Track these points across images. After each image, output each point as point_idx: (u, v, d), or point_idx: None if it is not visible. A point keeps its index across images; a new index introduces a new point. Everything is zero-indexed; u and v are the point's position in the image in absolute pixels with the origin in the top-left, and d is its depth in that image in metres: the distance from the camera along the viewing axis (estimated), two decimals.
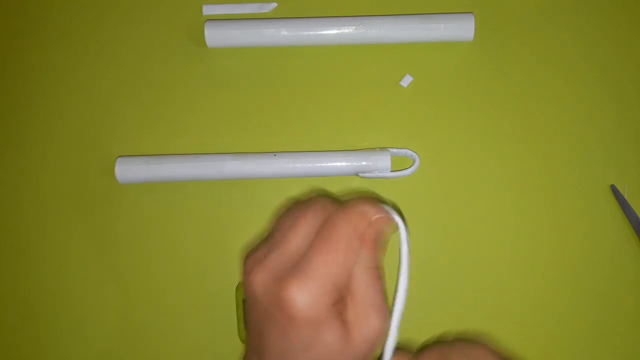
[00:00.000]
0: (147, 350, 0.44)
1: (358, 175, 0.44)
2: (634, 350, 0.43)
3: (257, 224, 0.43)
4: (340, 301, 0.28)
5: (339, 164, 0.43)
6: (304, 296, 0.26)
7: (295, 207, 0.31)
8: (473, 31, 0.44)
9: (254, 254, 0.30)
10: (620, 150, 0.44)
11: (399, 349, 0.30)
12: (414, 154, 0.44)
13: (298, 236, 0.29)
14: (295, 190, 0.44)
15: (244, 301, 0.29)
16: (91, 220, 0.45)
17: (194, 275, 0.44)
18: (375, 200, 0.29)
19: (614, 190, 0.44)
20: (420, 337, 0.42)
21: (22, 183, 0.45)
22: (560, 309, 0.43)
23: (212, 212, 0.45)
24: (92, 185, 0.45)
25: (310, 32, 0.44)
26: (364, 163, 0.43)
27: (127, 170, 0.43)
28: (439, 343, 0.33)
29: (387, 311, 0.28)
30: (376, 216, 0.28)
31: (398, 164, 0.44)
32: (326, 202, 0.30)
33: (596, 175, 0.44)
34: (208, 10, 0.46)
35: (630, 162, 0.44)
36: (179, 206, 0.45)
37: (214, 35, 0.44)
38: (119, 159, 0.44)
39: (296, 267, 0.27)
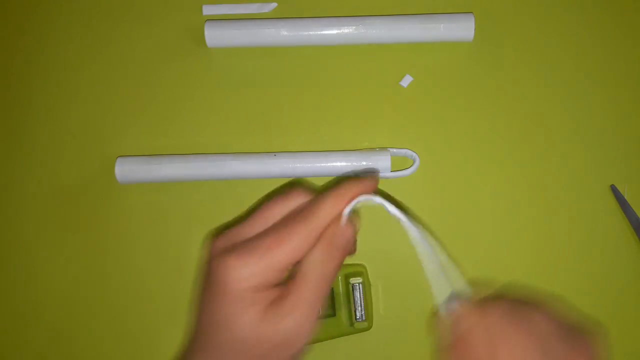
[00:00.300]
0: (148, 350, 0.44)
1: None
2: (634, 350, 0.43)
3: None
4: (276, 288, 0.28)
5: (339, 164, 0.43)
6: (240, 269, 0.27)
7: (272, 194, 0.31)
8: (473, 31, 0.44)
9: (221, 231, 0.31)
10: (620, 150, 0.44)
11: (457, 297, 0.30)
12: (414, 154, 0.44)
13: (261, 218, 0.29)
14: None
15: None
16: (91, 220, 0.45)
17: (194, 275, 0.44)
18: (357, 187, 0.29)
19: (614, 190, 0.44)
20: None
21: (23, 182, 0.45)
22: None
23: (212, 212, 0.45)
24: (92, 185, 0.45)
25: (310, 32, 0.44)
26: (364, 163, 0.43)
27: (127, 170, 0.43)
28: (505, 297, 0.31)
29: (316, 313, 0.28)
30: (345, 216, 0.28)
31: (398, 164, 0.44)
32: (300, 192, 0.30)
33: (596, 175, 0.44)
34: (208, 10, 0.46)
35: (630, 162, 0.44)
36: (179, 206, 0.45)
37: (214, 35, 0.44)
38: (119, 159, 0.44)
39: (246, 243, 0.28)
